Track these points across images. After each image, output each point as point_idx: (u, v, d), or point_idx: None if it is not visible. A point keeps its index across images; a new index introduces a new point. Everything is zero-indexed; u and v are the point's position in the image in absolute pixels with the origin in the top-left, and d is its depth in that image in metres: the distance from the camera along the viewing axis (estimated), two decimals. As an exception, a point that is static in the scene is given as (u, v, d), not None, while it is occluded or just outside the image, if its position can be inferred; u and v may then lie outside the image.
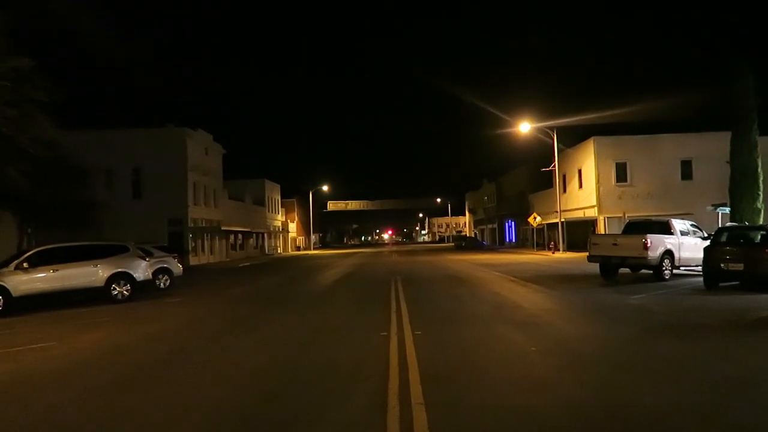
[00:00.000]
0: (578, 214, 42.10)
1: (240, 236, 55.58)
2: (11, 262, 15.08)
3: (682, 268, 18.64)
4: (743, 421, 5.06)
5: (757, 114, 25.52)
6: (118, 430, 5.32)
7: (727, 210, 26.74)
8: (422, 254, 51.67)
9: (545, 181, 47.70)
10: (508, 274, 21.95)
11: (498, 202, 71.76)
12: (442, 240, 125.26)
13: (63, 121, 22.49)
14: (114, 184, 38.34)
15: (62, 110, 22.94)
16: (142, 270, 17.05)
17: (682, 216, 25.12)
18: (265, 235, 65.58)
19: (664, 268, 17.38)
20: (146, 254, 18.44)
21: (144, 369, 7.78)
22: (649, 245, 17.03)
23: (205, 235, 44.79)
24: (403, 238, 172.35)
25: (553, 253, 39.37)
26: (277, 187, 72.87)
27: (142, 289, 17.19)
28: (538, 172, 46.62)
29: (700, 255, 16.02)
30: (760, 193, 25.19)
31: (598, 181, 39.33)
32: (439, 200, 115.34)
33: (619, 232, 21.63)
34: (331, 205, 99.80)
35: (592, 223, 39.80)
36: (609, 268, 18.48)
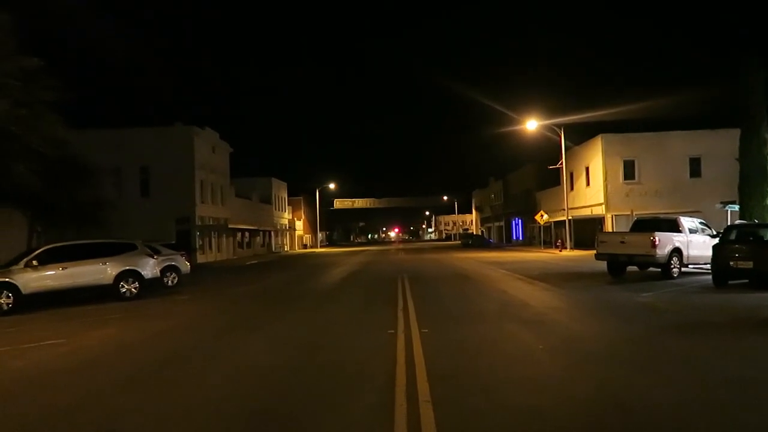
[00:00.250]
0: (586, 212, 41.95)
1: (247, 234, 55.74)
2: (21, 260, 15.20)
3: (690, 266, 18.54)
4: (751, 420, 5.04)
5: (767, 111, 25.32)
6: (127, 426, 5.35)
7: (736, 208, 26.57)
8: (429, 252, 51.64)
9: (552, 179, 47.55)
10: (515, 272, 21.91)
11: (505, 199, 71.60)
12: (448, 238, 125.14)
13: (71, 121, 22.67)
14: (122, 183, 38.56)
15: (70, 110, 23.09)
16: (150, 268, 17.14)
17: (690, 214, 24.96)
18: (272, 233, 65.74)
19: (672, 266, 17.29)
20: (154, 252, 18.53)
21: (152, 366, 7.83)
22: (657, 243, 16.95)
23: (212, 233, 44.95)
24: (409, 236, 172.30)
25: (561, 251, 39.25)
26: (284, 185, 73.01)
27: (150, 287, 17.28)
28: (545, 170, 46.50)
29: (709, 253, 15.93)
30: None
31: (605, 179, 39.17)
32: (445, 198, 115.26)
33: (627, 230, 21.53)
34: (338, 203, 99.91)
35: (599, 221, 39.65)
36: (617, 266, 18.41)
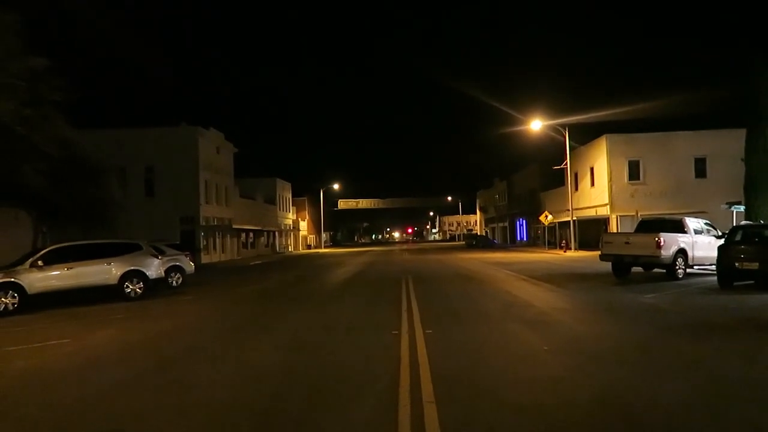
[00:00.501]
0: (590, 213, 41.85)
1: (251, 234, 55.84)
2: (26, 260, 15.26)
3: (695, 267, 18.48)
4: (756, 421, 5.02)
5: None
6: (131, 426, 5.37)
7: (742, 208, 26.44)
8: (433, 252, 51.61)
9: (557, 180, 47.47)
10: (519, 273, 21.87)
11: (509, 200, 71.49)
12: (453, 238, 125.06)
13: (77, 121, 22.74)
14: (127, 183, 38.65)
15: (76, 110, 23.15)
16: (154, 268, 17.19)
17: (695, 214, 24.88)
18: (276, 233, 65.83)
19: (677, 267, 17.23)
20: (158, 252, 18.58)
21: (156, 366, 7.85)
22: (662, 244, 16.90)
23: (216, 233, 45.05)
24: (413, 237, 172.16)
25: (565, 251, 39.17)
26: (288, 185, 73.11)
27: (155, 287, 17.33)
28: (549, 170, 46.41)
29: (714, 254, 15.87)
30: None
31: (610, 179, 39.07)
32: (450, 199, 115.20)
33: (632, 231, 21.47)
34: (342, 204, 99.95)
35: (604, 221, 39.55)
36: (621, 266, 18.36)
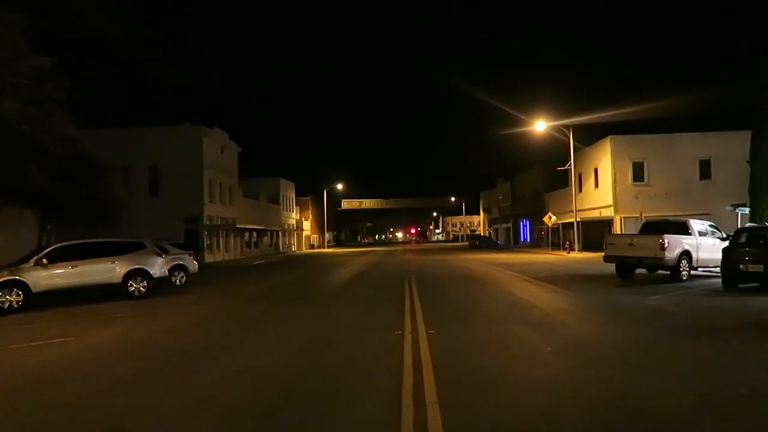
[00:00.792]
0: (594, 214, 41.77)
1: (254, 234, 55.90)
2: (31, 259, 15.31)
3: (700, 269, 18.41)
4: (760, 424, 4.99)
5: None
6: (134, 425, 5.38)
7: (747, 210, 26.34)
8: (436, 253, 51.58)
9: (561, 181, 47.38)
10: (523, 274, 21.84)
11: (513, 201, 71.42)
12: (456, 239, 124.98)
13: (81, 120, 22.80)
14: (131, 182, 38.74)
15: (80, 109, 23.21)
16: (158, 267, 17.22)
17: (700, 216, 24.80)
18: (280, 233, 65.89)
19: (681, 269, 17.18)
20: (162, 251, 18.61)
21: (159, 365, 7.86)
22: (666, 245, 16.85)
23: (220, 232, 45.12)
24: (417, 237, 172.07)
25: (569, 253, 39.10)
26: (292, 185, 73.17)
27: (159, 286, 17.36)
28: (553, 171, 46.35)
29: (719, 256, 15.82)
30: None
31: (614, 181, 38.99)
32: (453, 199, 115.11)
33: (636, 233, 21.42)
34: (346, 204, 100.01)
35: (608, 223, 39.46)
36: (625, 268, 18.31)
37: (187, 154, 40.27)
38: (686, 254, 17.36)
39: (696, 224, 18.49)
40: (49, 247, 16.32)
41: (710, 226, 19.15)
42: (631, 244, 18.05)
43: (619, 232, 36.39)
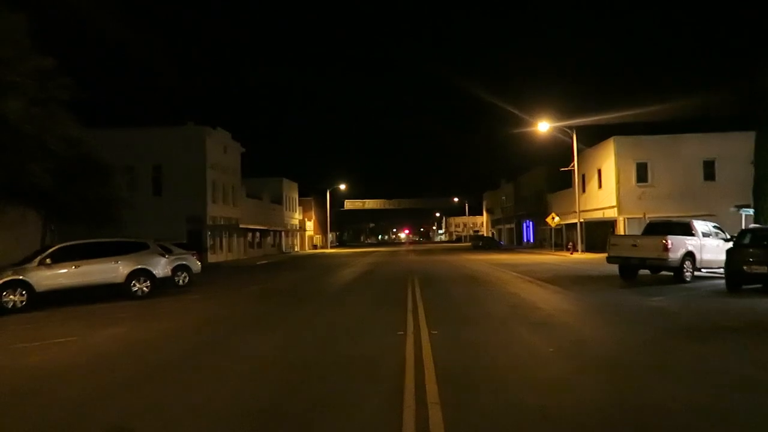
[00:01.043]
0: (597, 215, 41.70)
1: (257, 234, 55.96)
2: (35, 258, 15.36)
3: (703, 270, 18.36)
4: (761, 424, 4.98)
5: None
6: (141, 423, 5.39)
7: (751, 211, 26.27)
8: (439, 254, 51.56)
9: (564, 181, 47.31)
10: (526, 275, 21.81)
11: (516, 201, 71.34)
12: (459, 240, 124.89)
13: (85, 120, 22.86)
14: (135, 182, 38.80)
15: (84, 108, 23.28)
16: (161, 267, 17.26)
17: (704, 217, 24.73)
18: (283, 233, 65.95)
19: (685, 270, 17.14)
20: (165, 251, 18.65)
21: (162, 365, 7.88)
22: (670, 246, 16.81)
23: (223, 232, 45.19)
24: (419, 238, 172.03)
25: (572, 253, 39.04)
26: (295, 185, 73.25)
27: (162, 286, 17.40)
28: (556, 172, 46.29)
29: (722, 257, 15.77)
30: None
31: (618, 182, 38.91)
32: (456, 200, 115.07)
33: (639, 233, 21.38)
34: (348, 204, 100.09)
35: (611, 223, 39.39)
36: (628, 269, 18.28)
37: (191, 155, 40.35)
38: (689, 255, 17.31)
39: (699, 225, 18.44)
40: (53, 247, 16.38)
41: (714, 227, 19.09)
42: (635, 245, 18.01)
43: (622, 232, 36.31)
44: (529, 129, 43.36)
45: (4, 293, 14.37)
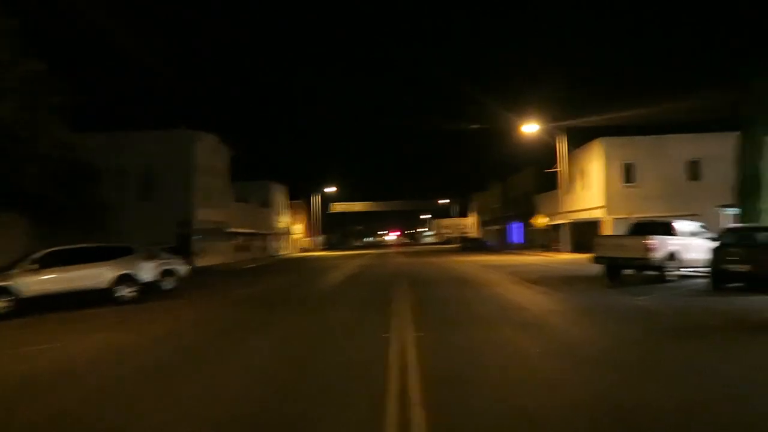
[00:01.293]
0: (585, 215, 42.00)
1: (246, 238, 55.78)
2: (20, 264, 15.24)
3: (687, 269, 18.56)
4: (747, 422, 5.07)
5: (764, 115, 25.31)
6: (129, 429, 5.39)
7: (735, 211, 26.59)
8: (427, 255, 51.64)
9: (552, 182, 47.60)
10: (513, 276, 21.93)
11: (504, 203, 71.66)
12: (448, 241, 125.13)
13: (81, 122, 22.77)
14: (125, 186, 38.58)
15: (75, 112, 23.10)
16: (148, 271, 17.18)
17: (689, 217, 24.99)
18: (271, 236, 65.78)
19: (669, 269, 17.33)
20: (153, 256, 18.56)
21: (146, 371, 7.86)
22: (653, 246, 16.99)
23: (211, 236, 44.99)
24: (408, 239, 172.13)
25: (559, 254, 39.28)
26: (283, 188, 73.09)
27: (149, 291, 17.31)
28: (544, 173, 46.59)
29: (706, 256, 15.98)
30: (767, 194, 25.00)
31: (605, 182, 39.24)
32: (444, 201, 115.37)
33: (625, 233, 21.57)
34: (337, 207, 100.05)
35: (598, 224, 39.69)
36: (614, 269, 18.45)
37: (180, 159, 40.15)
38: (673, 255, 17.51)
39: (683, 225, 18.65)
40: (39, 252, 16.24)
41: (697, 226, 19.31)
42: (620, 246, 18.20)
43: (607, 233, 36.59)
44: (517, 130, 43.61)
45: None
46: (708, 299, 13.51)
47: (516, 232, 66.73)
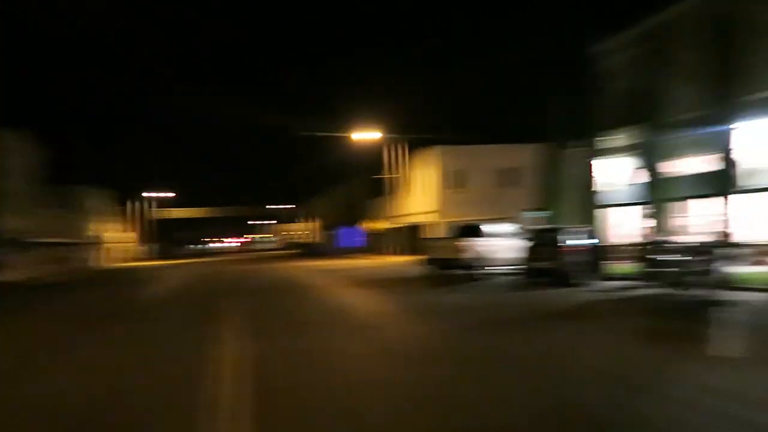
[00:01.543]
0: (421, 219, 44.35)
1: (60, 248, 50.26)
2: None
3: (500, 267, 20.20)
4: (529, 390, 5.73)
5: (566, 126, 28.72)
6: None
7: (542, 214, 29.72)
8: (266, 262, 50.84)
9: (386, 188, 49.54)
10: (347, 279, 22.45)
11: (341, 208, 73.01)
12: (288, 246, 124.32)
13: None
14: None
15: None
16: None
17: (506, 220, 27.45)
18: (90, 246, 60.03)
19: (480, 268, 18.94)
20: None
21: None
22: (465, 247, 18.55)
23: (14, 247, 39.90)
24: (245, 245, 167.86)
25: (393, 257, 40.97)
26: (109, 193, 67.29)
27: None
28: (379, 179, 48.37)
29: (515, 255, 17.80)
30: (567, 200, 28.41)
31: (435, 188, 41.90)
32: (283, 206, 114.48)
33: (445, 236, 23.26)
34: (167, 213, 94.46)
35: (427, 227, 42.15)
36: (439, 268, 19.78)
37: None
38: (484, 254, 19.14)
39: (492, 227, 20.49)
40: None
41: (508, 227, 21.09)
42: (442, 247, 19.65)
43: (433, 236, 38.98)
44: (352, 136, 44.73)
45: None
46: (517, 294, 15.13)
47: (353, 236, 68.28)
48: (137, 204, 77.99)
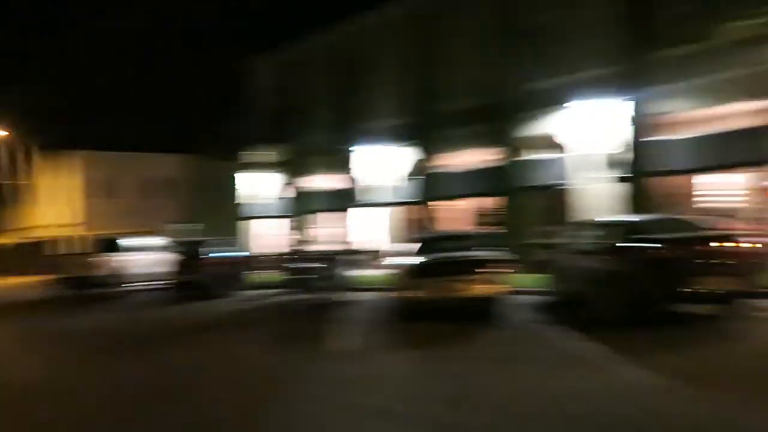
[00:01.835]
0: (52, 233, 38.82)
1: None
2: None
3: (140, 283, 18.87)
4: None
5: (214, 139, 29.12)
6: None
7: (190, 226, 29.13)
8: None
9: (18, 195, 42.38)
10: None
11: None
12: None
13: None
14: None
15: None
16: None
17: (153, 233, 26.02)
18: None
19: (118, 285, 17.66)
20: None
21: None
22: (100, 263, 17.48)
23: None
24: None
25: (13, 278, 34.66)
26: None
27: None
28: (8, 185, 41.25)
29: (162, 269, 17.09)
30: (216, 212, 28.78)
31: (78, 197, 37.67)
32: None
33: (81, 252, 21.13)
34: None
35: (67, 242, 37.28)
36: (72, 288, 17.64)
37: None
38: (122, 271, 17.91)
39: (135, 240, 19.34)
40: None
41: (155, 240, 19.88)
42: (73, 264, 18.09)
43: (66, 251, 34.56)
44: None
45: None
46: (155, 311, 14.87)
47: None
48: None
